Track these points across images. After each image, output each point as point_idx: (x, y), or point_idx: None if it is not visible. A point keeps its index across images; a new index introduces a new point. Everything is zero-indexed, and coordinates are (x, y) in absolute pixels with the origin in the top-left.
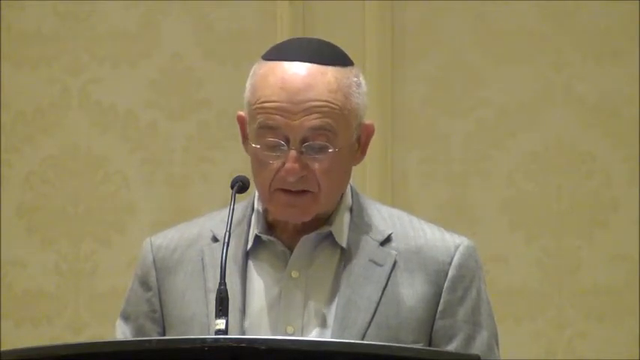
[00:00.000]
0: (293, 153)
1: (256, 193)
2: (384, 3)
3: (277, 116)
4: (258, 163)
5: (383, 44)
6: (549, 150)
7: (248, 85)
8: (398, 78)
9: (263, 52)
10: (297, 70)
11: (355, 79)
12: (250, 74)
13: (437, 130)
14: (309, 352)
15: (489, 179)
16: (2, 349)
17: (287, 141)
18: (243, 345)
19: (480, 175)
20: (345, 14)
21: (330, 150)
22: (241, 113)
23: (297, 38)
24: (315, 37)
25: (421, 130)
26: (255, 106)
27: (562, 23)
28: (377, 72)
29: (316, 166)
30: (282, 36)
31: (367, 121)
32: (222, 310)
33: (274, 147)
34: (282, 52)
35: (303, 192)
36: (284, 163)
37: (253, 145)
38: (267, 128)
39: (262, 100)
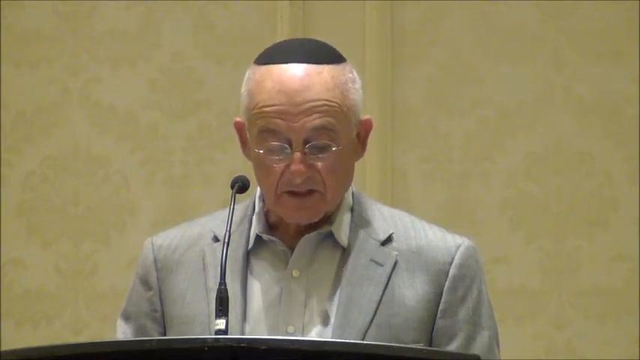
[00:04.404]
0: (297, 155)
1: (257, 193)
2: (384, 3)
3: (278, 120)
4: (263, 168)
5: (383, 44)
6: (549, 150)
7: (244, 91)
8: (398, 78)
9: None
10: (294, 72)
11: (350, 75)
12: (245, 80)
13: (437, 130)
14: (309, 352)
15: (489, 179)
16: (2, 349)
17: (290, 143)
18: (243, 345)
19: (480, 175)
20: (345, 14)
21: (333, 148)
22: (238, 119)
23: (288, 40)
24: (315, 37)
25: (421, 130)
26: (254, 112)
27: (562, 23)
28: (377, 72)
29: (320, 165)
30: (282, 36)
31: (365, 116)
32: (222, 310)
33: (277, 150)
34: (276, 55)
35: (311, 192)
36: (288, 166)
37: (255, 151)
38: (268, 132)
39: (261, 104)
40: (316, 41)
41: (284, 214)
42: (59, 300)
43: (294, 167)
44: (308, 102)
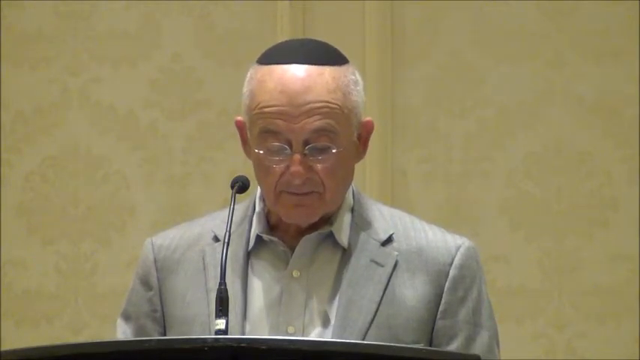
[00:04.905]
0: (297, 156)
1: (257, 193)
2: (384, 3)
3: (278, 120)
4: (263, 169)
5: (383, 44)
6: (549, 150)
7: (245, 90)
8: (398, 78)
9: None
10: (295, 73)
11: (352, 77)
12: (247, 80)
13: (437, 130)
14: (309, 352)
15: (489, 179)
16: (2, 349)
17: (290, 144)
18: (243, 345)
19: (480, 175)
20: (345, 14)
21: (333, 150)
22: (240, 118)
23: (291, 40)
24: (315, 37)
25: (421, 130)
26: (255, 112)
27: (562, 23)
28: (377, 72)
29: (320, 167)
30: (282, 36)
31: (366, 117)
32: (222, 310)
33: (277, 151)
34: (278, 55)
35: (310, 192)
36: (288, 167)
37: (256, 151)
38: (268, 133)
39: (262, 105)
40: (319, 42)
41: (283, 213)
42: (59, 300)
43: (293, 169)
44: (309, 103)
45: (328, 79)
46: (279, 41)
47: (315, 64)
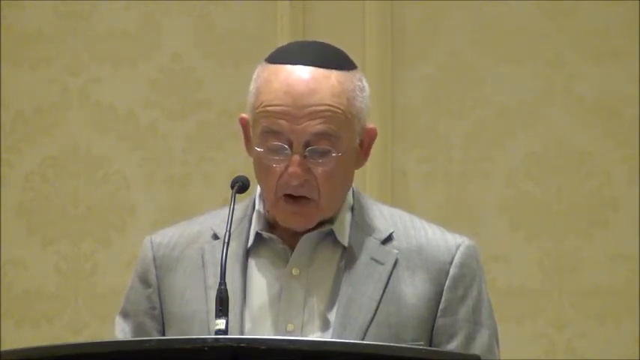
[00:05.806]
0: (296, 157)
1: (257, 192)
2: (384, 3)
3: (281, 120)
4: (263, 168)
5: (383, 44)
6: (549, 150)
7: (252, 88)
8: (398, 78)
9: (263, 53)
10: (301, 74)
11: (359, 83)
12: (254, 77)
13: (437, 130)
14: (309, 352)
15: (489, 179)
16: (2, 349)
17: (290, 145)
18: (243, 345)
19: (480, 175)
20: (345, 14)
21: (333, 154)
22: (244, 116)
23: (302, 41)
24: (316, 38)
25: (421, 130)
26: (258, 110)
27: (562, 23)
28: (377, 72)
29: (319, 170)
30: (282, 36)
31: (369, 124)
32: (222, 310)
33: (277, 151)
34: (286, 55)
35: (306, 200)
36: (287, 167)
37: (256, 149)
38: (270, 132)
39: (266, 104)
40: (328, 45)
41: (280, 219)
42: (59, 300)
43: (291, 169)
44: (312, 106)
45: (334, 82)
46: (279, 41)
47: (322, 67)
